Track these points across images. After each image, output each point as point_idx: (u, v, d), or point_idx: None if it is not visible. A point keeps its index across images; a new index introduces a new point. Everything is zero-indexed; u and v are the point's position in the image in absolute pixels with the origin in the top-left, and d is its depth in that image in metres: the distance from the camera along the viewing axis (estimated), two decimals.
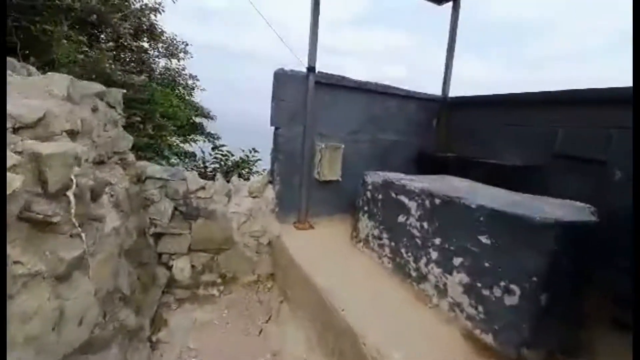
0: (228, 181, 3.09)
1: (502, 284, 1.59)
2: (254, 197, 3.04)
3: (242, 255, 2.91)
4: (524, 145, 2.94)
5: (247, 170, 5.05)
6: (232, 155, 4.98)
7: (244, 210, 2.92)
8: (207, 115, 7.03)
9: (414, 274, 2.12)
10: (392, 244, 2.33)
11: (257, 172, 4.98)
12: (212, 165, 4.88)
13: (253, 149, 5.14)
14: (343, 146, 3.16)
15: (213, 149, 5.08)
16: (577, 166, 2.58)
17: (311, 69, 2.92)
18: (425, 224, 2.05)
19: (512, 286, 1.54)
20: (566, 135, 2.67)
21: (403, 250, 2.22)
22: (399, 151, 3.64)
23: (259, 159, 5.04)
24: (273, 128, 3.08)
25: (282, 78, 2.95)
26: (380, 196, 2.47)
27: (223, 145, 5.09)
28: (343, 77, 3.18)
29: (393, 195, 2.33)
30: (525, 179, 2.77)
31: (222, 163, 4.84)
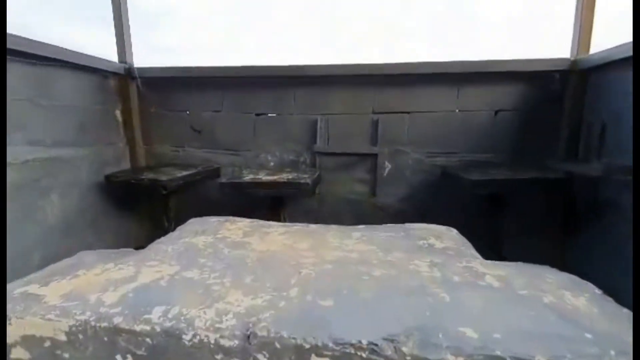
0: None
1: None
2: None
3: None
4: (292, 143, 2.11)
5: None
6: None
7: None
8: None
9: None
10: None
11: None
12: None
13: None
14: None
15: None
16: (353, 162, 2.09)
17: None
18: None
19: None
20: (329, 124, 2.07)
21: None
22: (63, 184, 1.68)
23: None
24: None
25: None
26: None
27: None
28: None
29: None
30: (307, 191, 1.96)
31: None
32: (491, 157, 1.94)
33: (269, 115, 2.11)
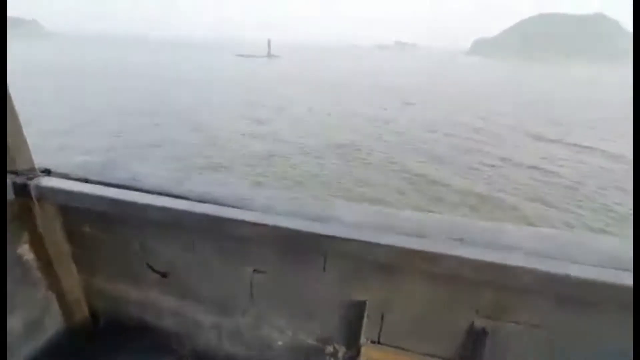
0: None
1: None
2: None
3: None
4: (316, 323, 1.19)
5: None
6: None
7: None
8: None
9: None
10: None
11: None
12: None
13: None
14: None
15: None
16: None
17: None
18: None
19: None
20: (386, 315, 1.09)
21: None
22: None
23: None
24: None
25: None
26: None
27: None
28: None
29: None
30: None
31: None
32: None
33: (275, 275, 1.15)
